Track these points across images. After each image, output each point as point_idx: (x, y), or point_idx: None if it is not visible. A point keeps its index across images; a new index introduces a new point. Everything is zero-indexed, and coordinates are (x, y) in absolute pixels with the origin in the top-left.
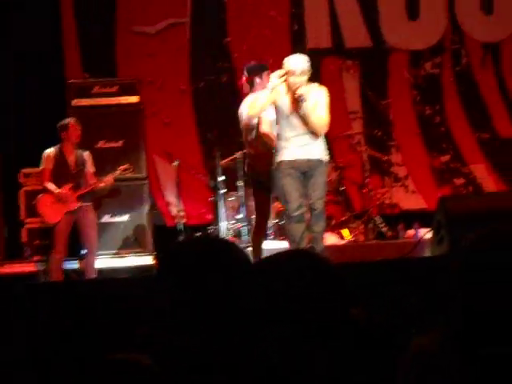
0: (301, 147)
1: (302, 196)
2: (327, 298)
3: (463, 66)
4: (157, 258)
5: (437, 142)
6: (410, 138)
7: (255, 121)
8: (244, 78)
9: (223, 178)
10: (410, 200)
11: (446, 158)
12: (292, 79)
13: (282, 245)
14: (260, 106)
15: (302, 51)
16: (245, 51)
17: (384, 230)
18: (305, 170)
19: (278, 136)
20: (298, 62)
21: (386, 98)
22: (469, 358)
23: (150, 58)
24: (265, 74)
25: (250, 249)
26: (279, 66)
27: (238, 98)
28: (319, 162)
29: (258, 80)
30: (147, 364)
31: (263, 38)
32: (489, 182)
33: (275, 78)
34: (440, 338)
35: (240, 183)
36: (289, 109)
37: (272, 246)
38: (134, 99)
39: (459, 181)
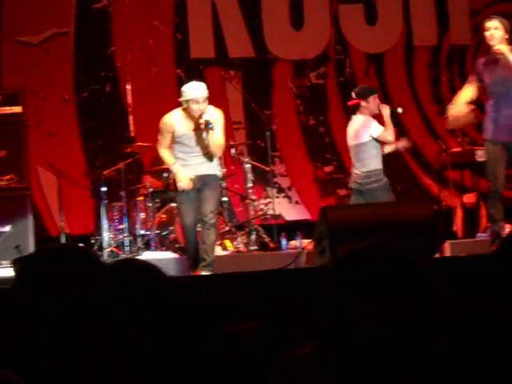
0: (196, 165)
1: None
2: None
3: (347, 76)
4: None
5: (320, 152)
6: (293, 149)
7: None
8: (352, 101)
9: (106, 188)
10: (294, 211)
11: (329, 168)
12: (196, 107)
13: (164, 255)
14: None
15: (186, 61)
16: (129, 61)
17: (267, 240)
18: (199, 186)
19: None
20: (198, 89)
21: (270, 108)
22: (339, 373)
23: (34, 68)
24: (371, 97)
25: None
26: (163, 75)
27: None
28: (213, 176)
29: (364, 104)
30: (15, 380)
31: (147, 47)
32: None
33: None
34: (313, 350)
35: (123, 193)
36: (188, 133)
37: (153, 256)
38: (17, 109)
39: (342, 191)
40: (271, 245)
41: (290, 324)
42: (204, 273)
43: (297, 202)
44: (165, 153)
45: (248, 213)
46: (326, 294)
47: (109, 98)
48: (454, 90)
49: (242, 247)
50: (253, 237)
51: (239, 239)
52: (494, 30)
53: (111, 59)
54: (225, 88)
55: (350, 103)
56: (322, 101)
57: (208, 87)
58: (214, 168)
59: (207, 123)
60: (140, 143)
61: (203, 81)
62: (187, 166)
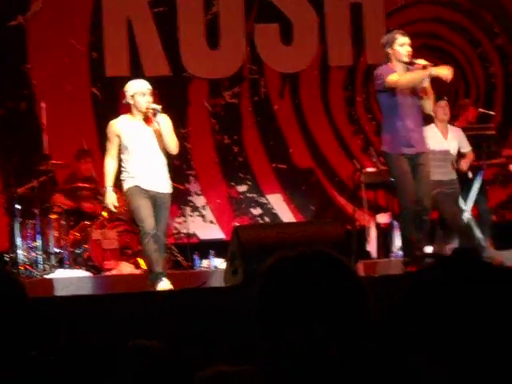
0: (147, 178)
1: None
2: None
3: (262, 95)
4: None
5: (235, 171)
6: (208, 168)
7: None
8: None
9: (20, 206)
10: (208, 230)
11: (243, 187)
12: (142, 99)
13: (77, 273)
14: None
15: (101, 79)
16: (44, 78)
17: (180, 259)
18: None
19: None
20: (142, 82)
21: (186, 127)
22: None
23: None
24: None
25: None
26: (78, 93)
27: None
28: (166, 195)
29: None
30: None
31: (63, 65)
32: (286, 212)
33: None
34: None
35: (36, 211)
36: (136, 136)
37: (66, 274)
38: None
39: (256, 211)
40: (184, 264)
41: (201, 343)
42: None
43: (211, 221)
44: (108, 167)
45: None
46: (251, 310)
47: (24, 115)
48: (370, 109)
49: None
50: (166, 255)
51: None
52: (410, 46)
53: (27, 77)
54: None
55: None
56: (236, 120)
57: (122, 106)
58: (168, 185)
59: (154, 110)
60: (54, 161)
61: (117, 100)
62: (137, 180)
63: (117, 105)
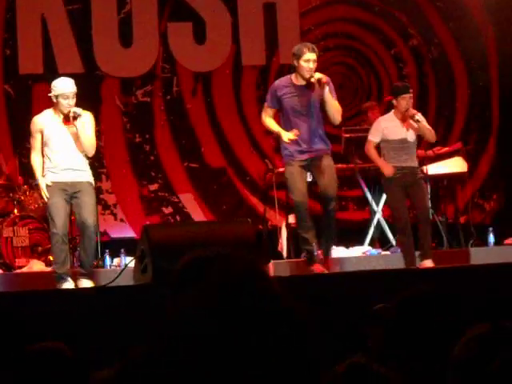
0: (66, 171)
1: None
2: None
3: (174, 94)
4: None
5: (146, 170)
6: (119, 166)
7: None
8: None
9: None
10: (119, 228)
11: (154, 186)
12: (65, 102)
13: None
14: None
15: (15, 77)
16: None
17: None
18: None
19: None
20: (67, 85)
21: (98, 125)
22: None
23: None
24: (400, 97)
25: None
26: None
27: None
28: (86, 183)
29: (394, 102)
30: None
31: None
32: (197, 211)
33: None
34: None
35: None
36: (57, 131)
37: None
38: None
39: (168, 210)
40: (95, 262)
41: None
42: (83, 283)
43: (122, 220)
44: (35, 162)
45: (74, 229)
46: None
47: None
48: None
49: None
50: (77, 253)
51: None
52: (314, 63)
53: None
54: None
55: (385, 99)
56: (148, 119)
57: (36, 102)
58: (87, 176)
59: (75, 114)
60: None
61: (31, 97)
62: (56, 174)
63: (30, 102)
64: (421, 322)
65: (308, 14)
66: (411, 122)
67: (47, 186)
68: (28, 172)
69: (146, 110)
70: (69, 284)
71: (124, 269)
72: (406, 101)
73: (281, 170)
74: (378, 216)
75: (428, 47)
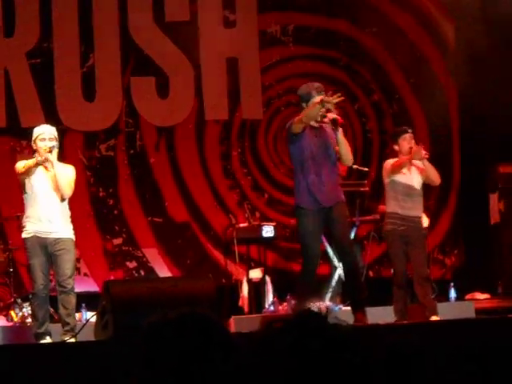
0: (49, 224)
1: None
2: None
3: (138, 148)
4: None
5: (110, 224)
6: (83, 220)
7: None
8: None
9: None
10: (82, 282)
11: (118, 240)
12: (42, 144)
13: None
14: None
15: None
16: None
17: (51, 311)
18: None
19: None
20: (45, 127)
21: None
22: None
23: None
24: (400, 139)
25: None
26: None
27: None
28: (68, 240)
29: (396, 148)
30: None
31: None
32: (161, 265)
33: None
34: None
35: None
36: (39, 176)
37: None
38: None
39: (132, 264)
40: (55, 316)
41: None
42: (66, 338)
43: (85, 274)
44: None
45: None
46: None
47: None
48: (245, 163)
49: (28, 318)
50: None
51: (24, 310)
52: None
53: None
54: (15, 158)
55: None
56: (111, 173)
57: None
58: (68, 230)
59: (51, 149)
60: None
61: None
62: (39, 224)
63: None
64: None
65: (269, 69)
66: (416, 162)
67: (27, 239)
68: None
69: (109, 165)
70: (48, 340)
71: (85, 324)
72: (406, 141)
73: (242, 225)
74: (339, 271)
75: (389, 103)
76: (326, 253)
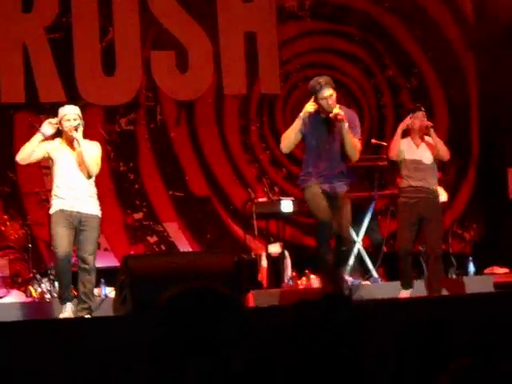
0: (75, 200)
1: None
2: None
3: (158, 123)
4: None
5: (130, 198)
6: (103, 195)
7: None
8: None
9: None
10: (103, 257)
11: (139, 215)
12: (67, 124)
13: None
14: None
15: None
16: None
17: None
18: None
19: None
20: (69, 108)
21: None
22: None
23: None
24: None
25: None
26: None
27: None
28: (92, 217)
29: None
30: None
31: None
32: (182, 240)
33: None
34: None
35: None
36: (65, 157)
37: None
38: None
39: (152, 239)
40: (74, 292)
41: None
42: (84, 315)
43: (106, 249)
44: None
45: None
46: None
47: None
48: (264, 138)
49: (47, 294)
50: (56, 284)
51: (43, 286)
52: (331, 97)
53: None
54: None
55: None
56: (132, 147)
57: (18, 131)
58: (94, 207)
59: (76, 128)
60: None
61: (13, 126)
62: (64, 201)
63: (12, 131)
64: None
65: (287, 44)
66: (427, 138)
67: (53, 215)
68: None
69: (129, 139)
70: (67, 309)
71: (103, 300)
72: (419, 119)
73: (260, 200)
74: (359, 246)
75: (406, 77)
76: None
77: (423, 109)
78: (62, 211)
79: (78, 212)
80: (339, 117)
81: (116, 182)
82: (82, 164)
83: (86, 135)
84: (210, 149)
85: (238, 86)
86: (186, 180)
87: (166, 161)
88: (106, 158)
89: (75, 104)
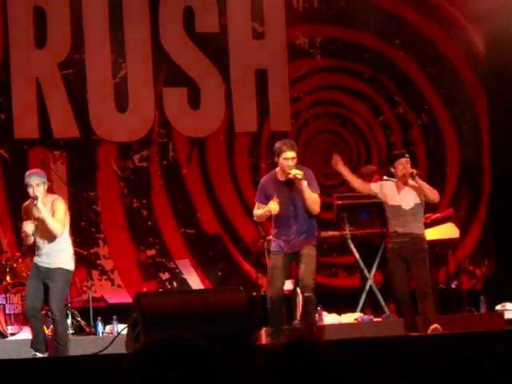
0: (45, 255)
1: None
2: None
3: (170, 159)
4: None
5: (143, 235)
6: (117, 231)
7: None
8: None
9: None
10: (116, 294)
11: (152, 252)
12: (30, 190)
13: None
14: None
15: (10, 141)
16: None
17: (82, 324)
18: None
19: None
20: (29, 175)
21: (95, 190)
22: None
23: None
24: (396, 163)
25: None
26: None
27: None
28: (58, 270)
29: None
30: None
31: None
32: (194, 277)
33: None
34: None
35: None
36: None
37: None
38: None
39: (165, 275)
40: (87, 329)
41: None
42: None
43: (119, 285)
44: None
45: (72, 295)
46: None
47: None
48: None
49: None
50: (68, 321)
51: None
52: (293, 160)
53: None
54: (49, 169)
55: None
56: (145, 184)
57: (32, 167)
58: (51, 260)
59: (35, 197)
60: None
61: (27, 162)
62: (36, 257)
63: (26, 167)
64: None
65: (298, 81)
66: (411, 182)
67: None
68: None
69: (142, 175)
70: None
71: (116, 337)
72: (402, 165)
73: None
74: (370, 282)
75: (417, 114)
76: (357, 264)
77: (407, 155)
78: (34, 263)
79: (43, 266)
80: (299, 176)
81: (129, 219)
82: (46, 228)
83: (100, 172)
84: (220, 186)
85: (249, 124)
86: (198, 217)
87: (178, 198)
88: (119, 194)
89: None
